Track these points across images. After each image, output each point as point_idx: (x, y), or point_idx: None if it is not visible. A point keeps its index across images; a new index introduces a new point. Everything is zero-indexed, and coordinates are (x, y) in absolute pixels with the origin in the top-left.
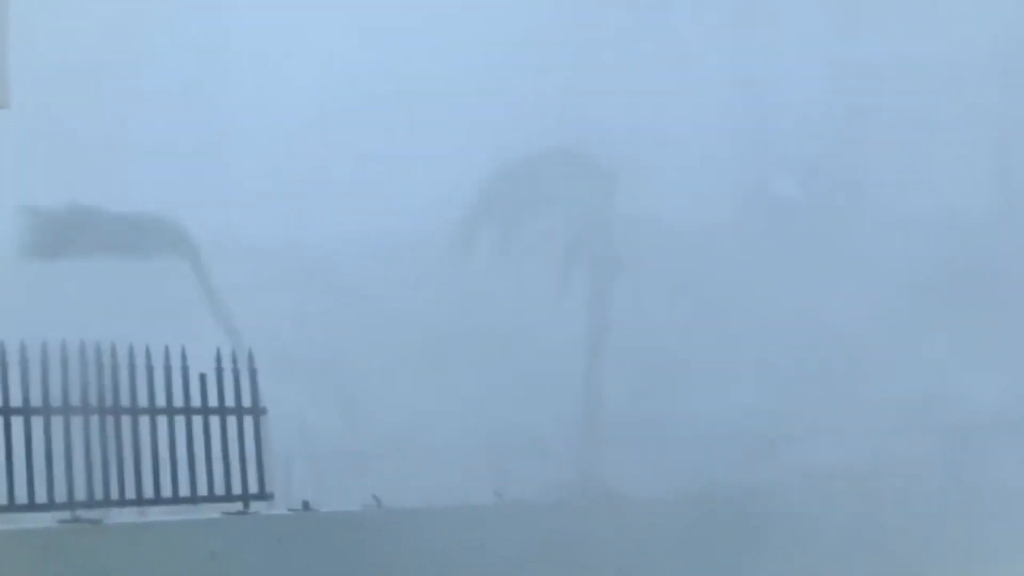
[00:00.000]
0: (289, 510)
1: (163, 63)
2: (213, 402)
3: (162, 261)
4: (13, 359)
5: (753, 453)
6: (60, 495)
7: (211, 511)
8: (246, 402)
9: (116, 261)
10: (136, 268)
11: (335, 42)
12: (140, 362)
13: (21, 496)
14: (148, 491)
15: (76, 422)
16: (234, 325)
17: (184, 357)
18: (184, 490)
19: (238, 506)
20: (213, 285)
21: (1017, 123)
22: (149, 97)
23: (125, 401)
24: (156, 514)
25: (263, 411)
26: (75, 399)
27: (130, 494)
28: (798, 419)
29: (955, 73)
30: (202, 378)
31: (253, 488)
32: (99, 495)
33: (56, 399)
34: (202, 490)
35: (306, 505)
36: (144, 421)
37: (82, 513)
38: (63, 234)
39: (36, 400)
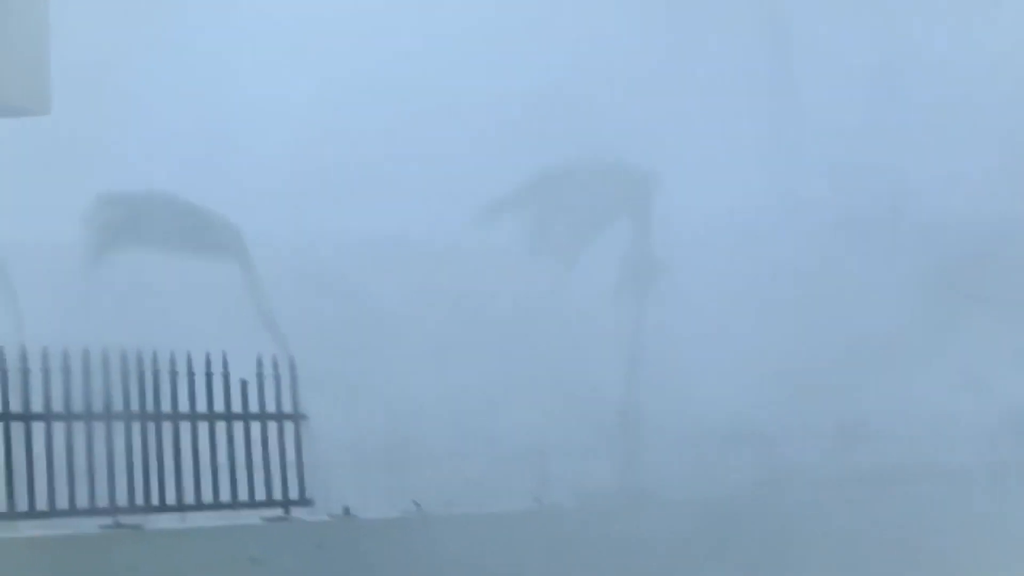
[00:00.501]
0: (329, 516)
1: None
2: (254, 408)
3: (208, 262)
4: (55, 365)
5: (794, 454)
6: (101, 500)
7: (252, 517)
8: (287, 408)
9: (158, 260)
10: (179, 268)
11: (356, 44)
12: (182, 368)
13: (62, 501)
14: (189, 496)
15: (117, 428)
16: (278, 330)
17: (225, 363)
18: (225, 496)
19: (279, 512)
20: (261, 288)
21: None
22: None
23: (166, 407)
24: (197, 519)
25: (303, 417)
26: (116, 405)
27: (171, 499)
28: (836, 421)
29: (990, 74)
30: (243, 384)
31: (294, 494)
32: (140, 500)
33: (97, 405)
34: (243, 496)
35: (346, 511)
36: (185, 427)
37: (123, 519)
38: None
39: (78, 406)
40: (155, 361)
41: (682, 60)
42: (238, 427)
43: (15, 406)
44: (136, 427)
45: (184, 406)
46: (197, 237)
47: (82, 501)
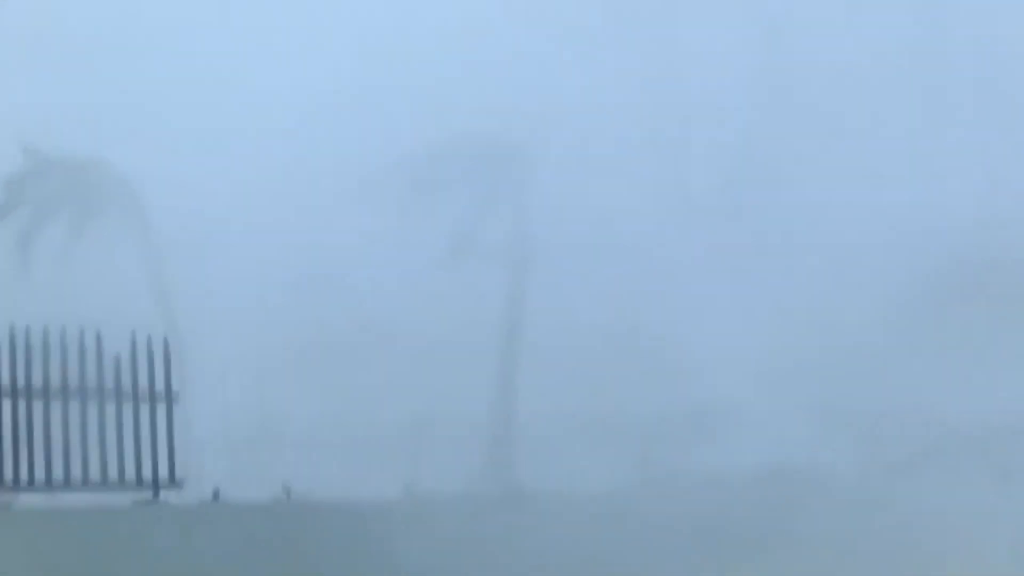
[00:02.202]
0: (199, 500)
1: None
2: (126, 385)
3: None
4: None
5: (660, 453)
6: None
7: (122, 498)
8: (159, 387)
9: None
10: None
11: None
12: (55, 342)
13: None
14: (58, 475)
15: None
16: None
17: (99, 340)
18: (94, 475)
19: (148, 494)
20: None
21: (930, 105)
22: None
23: (37, 382)
24: (66, 500)
25: (176, 397)
26: None
27: (40, 477)
28: (714, 417)
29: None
30: (116, 361)
31: (164, 474)
32: (8, 478)
33: None
34: (113, 476)
35: (216, 494)
36: (55, 404)
37: None
38: None
39: None
40: (28, 336)
41: (566, 44)
42: (110, 407)
43: None
44: (5, 403)
45: (56, 381)
46: (90, 202)
47: None
